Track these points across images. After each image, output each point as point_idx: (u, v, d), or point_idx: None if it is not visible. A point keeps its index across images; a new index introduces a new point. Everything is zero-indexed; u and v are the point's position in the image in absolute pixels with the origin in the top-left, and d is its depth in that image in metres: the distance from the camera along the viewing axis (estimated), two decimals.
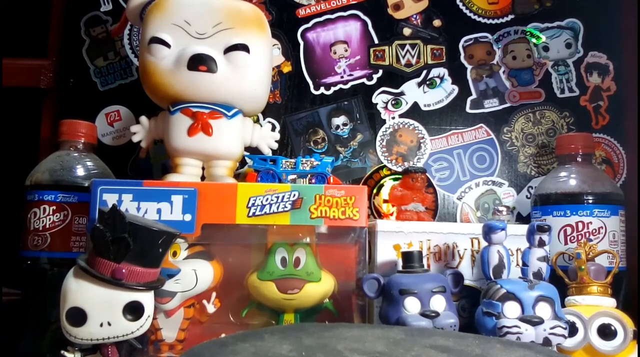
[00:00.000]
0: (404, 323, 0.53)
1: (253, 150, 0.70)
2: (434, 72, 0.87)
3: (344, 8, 0.87)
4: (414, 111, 0.86)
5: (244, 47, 0.63)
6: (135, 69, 0.86)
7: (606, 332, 0.56)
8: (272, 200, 0.58)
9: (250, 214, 0.58)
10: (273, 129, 0.85)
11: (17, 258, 0.69)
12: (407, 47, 0.87)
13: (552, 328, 0.53)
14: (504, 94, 0.86)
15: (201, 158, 0.66)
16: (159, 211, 0.58)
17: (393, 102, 0.86)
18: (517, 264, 0.63)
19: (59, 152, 0.72)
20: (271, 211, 0.58)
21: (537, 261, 0.58)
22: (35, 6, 0.95)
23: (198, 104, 0.64)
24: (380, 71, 0.87)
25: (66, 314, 0.48)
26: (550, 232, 0.58)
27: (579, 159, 0.74)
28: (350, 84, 0.86)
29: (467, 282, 0.62)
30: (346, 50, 0.87)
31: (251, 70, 0.65)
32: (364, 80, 0.86)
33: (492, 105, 0.86)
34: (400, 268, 0.60)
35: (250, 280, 0.61)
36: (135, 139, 0.68)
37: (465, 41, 0.87)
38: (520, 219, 0.83)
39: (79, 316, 0.48)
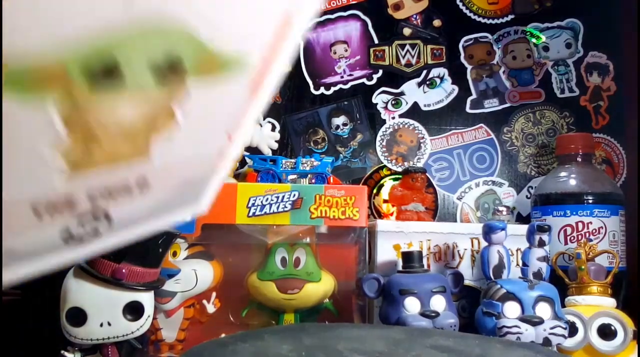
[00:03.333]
0: (404, 323, 0.53)
1: (253, 151, 0.70)
2: (434, 72, 0.87)
3: (344, 8, 0.87)
4: (414, 111, 0.86)
5: None
6: None
7: (606, 332, 0.56)
8: (272, 200, 0.58)
9: (250, 214, 0.58)
10: (273, 129, 0.85)
11: None
12: (407, 47, 0.87)
13: (552, 328, 0.53)
14: (504, 94, 0.86)
15: None
16: None
17: (393, 102, 0.86)
18: (517, 264, 0.63)
19: None
20: (271, 211, 0.58)
21: (537, 261, 0.58)
22: None
23: None
24: (380, 71, 0.87)
25: (66, 314, 0.48)
26: (550, 232, 0.58)
27: (579, 159, 0.74)
28: (350, 84, 0.86)
29: (467, 282, 0.62)
30: (346, 50, 0.87)
31: None
32: (364, 80, 0.87)
33: (492, 105, 0.86)
34: (400, 268, 0.60)
35: (250, 280, 0.61)
36: None
37: (465, 41, 0.87)
38: (520, 219, 0.83)
39: (79, 316, 0.48)
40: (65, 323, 0.48)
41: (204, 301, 0.61)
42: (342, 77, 0.87)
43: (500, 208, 0.74)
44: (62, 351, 0.49)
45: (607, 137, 0.84)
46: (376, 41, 0.87)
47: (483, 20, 0.87)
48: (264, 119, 0.85)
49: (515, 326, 0.52)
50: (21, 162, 0.20)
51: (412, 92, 0.86)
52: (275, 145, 0.70)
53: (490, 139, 0.86)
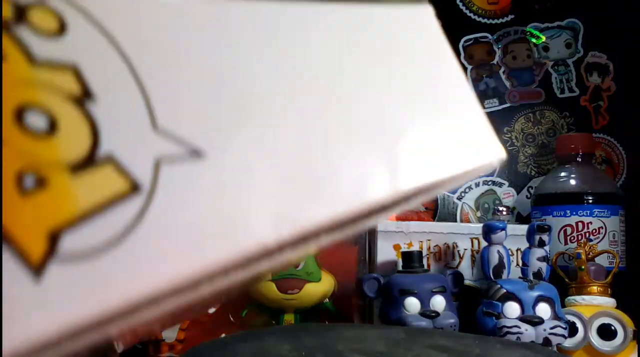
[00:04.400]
0: (404, 323, 0.53)
1: None
2: None
3: None
4: None
5: None
6: None
7: (606, 332, 0.56)
8: None
9: None
10: None
11: None
12: None
13: (552, 328, 0.52)
14: (504, 94, 0.86)
15: None
16: None
17: None
18: (517, 264, 0.63)
19: None
20: None
21: (537, 261, 0.58)
22: None
23: None
24: None
25: None
26: (550, 232, 0.58)
27: (579, 159, 0.74)
28: None
29: (467, 282, 0.62)
30: None
31: None
32: None
33: (492, 105, 0.86)
34: (400, 268, 0.60)
35: None
36: None
37: (465, 41, 0.87)
38: (520, 219, 0.83)
39: None
40: None
41: None
42: None
43: (500, 208, 0.74)
44: None
45: (607, 137, 0.84)
46: None
47: (483, 20, 0.87)
48: None
49: (515, 326, 0.52)
50: None
51: None
52: None
53: None
